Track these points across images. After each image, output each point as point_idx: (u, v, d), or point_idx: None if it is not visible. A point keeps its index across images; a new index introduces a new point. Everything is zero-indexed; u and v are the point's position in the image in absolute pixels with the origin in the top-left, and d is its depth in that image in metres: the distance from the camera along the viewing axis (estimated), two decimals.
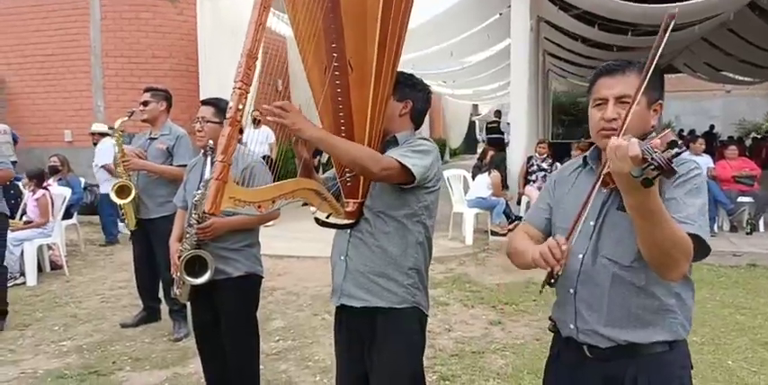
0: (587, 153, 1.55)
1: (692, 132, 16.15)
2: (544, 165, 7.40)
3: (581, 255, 1.44)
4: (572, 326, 1.47)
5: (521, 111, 7.77)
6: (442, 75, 13.73)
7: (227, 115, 1.50)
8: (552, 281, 1.38)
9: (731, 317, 4.08)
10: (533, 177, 7.36)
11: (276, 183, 1.70)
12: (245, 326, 2.76)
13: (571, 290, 1.46)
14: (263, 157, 7.53)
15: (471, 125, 24.60)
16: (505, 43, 9.48)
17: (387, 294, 1.88)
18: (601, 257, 1.41)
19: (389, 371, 1.89)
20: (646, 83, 1.29)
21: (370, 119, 1.78)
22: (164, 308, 4.03)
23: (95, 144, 6.72)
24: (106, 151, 5.40)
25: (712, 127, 17.63)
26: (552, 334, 1.60)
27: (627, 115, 1.31)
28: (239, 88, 1.50)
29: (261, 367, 2.87)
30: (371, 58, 1.73)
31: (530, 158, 7.48)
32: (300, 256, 5.80)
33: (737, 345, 3.59)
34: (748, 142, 15.08)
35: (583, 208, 1.40)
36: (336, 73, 1.76)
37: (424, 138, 1.93)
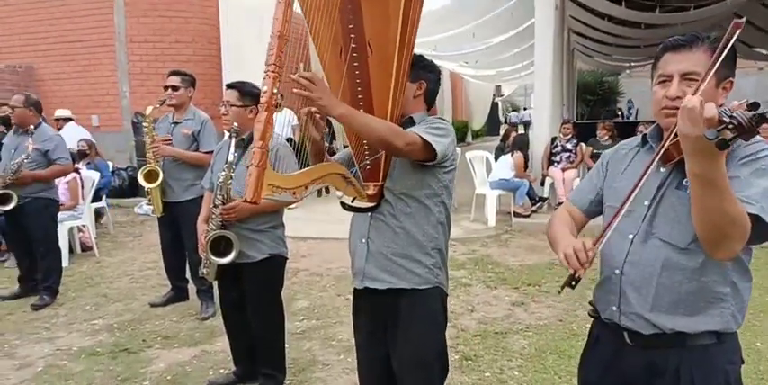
0: (647, 131, 1.48)
1: None
2: (568, 146, 7.30)
3: (631, 235, 1.39)
4: (614, 309, 1.42)
5: (545, 92, 7.65)
6: (464, 56, 13.54)
7: (262, 100, 1.45)
8: (573, 283, 1.34)
9: (761, 298, 4.00)
10: (557, 158, 7.28)
11: (306, 168, 1.68)
12: (270, 305, 2.82)
13: (617, 271, 1.40)
14: (287, 140, 7.62)
15: (494, 106, 24.30)
16: (530, 22, 9.30)
17: (410, 275, 1.89)
18: (654, 238, 1.36)
19: (416, 352, 1.91)
20: (716, 61, 1.21)
21: (392, 101, 1.76)
22: (191, 288, 4.12)
23: (60, 129, 6.77)
24: (69, 138, 5.36)
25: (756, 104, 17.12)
26: (592, 319, 1.54)
27: (696, 93, 1.20)
28: (272, 72, 1.44)
29: (286, 345, 2.93)
30: (394, 38, 1.70)
31: (554, 139, 7.39)
32: (324, 238, 5.86)
33: (767, 326, 3.53)
34: None
35: (631, 192, 1.35)
36: (355, 55, 1.74)
37: (441, 118, 1.93)
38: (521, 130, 19.35)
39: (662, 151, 1.31)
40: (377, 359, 2.01)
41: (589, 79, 20.18)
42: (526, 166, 7.04)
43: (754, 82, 20.20)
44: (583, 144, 7.41)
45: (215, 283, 2.98)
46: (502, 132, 11.70)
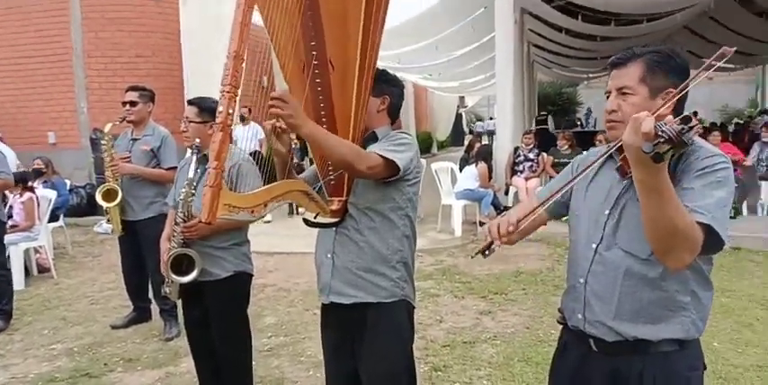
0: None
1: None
2: (531, 156, 7.45)
3: (595, 245, 1.42)
4: (579, 317, 1.45)
5: (506, 103, 7.81)
6: (427, 68, 13.72)
7: (218, 120, 1.46)
8: (486, 252, 1.44)
9: (716, 299, 4.13)
10: (520, 168, 7.41)
11: (267, 186, 1.68)
12: (235, 324, 2.76)
13: (581, 280, 1.44)
14: (253, 153, 7.54)
15: (458, 117, 24.62)
16: (490, 36, 9.49)
17: (376, 289, 1.89)
18: (616, 248, 1.38)
19: (382, 365, 1.90)
20: (641, 71, 1.35)
21: (354, 118, 1.78)
22: (154, 308, 4.02)
23: None
24: None
25: (695, 114, 17.77)
26: (561, 326, 1.57)
27: (623, 105, 1.35)
28: (228, 92, 1.46)
29: (253, 363, 2.88)
30: (354, 57, 1.72)
31: (516, 149, 7.52)
32: (291, 253, 5.80)
33: (723, 327, 3.65)
34: (731, 128, 15.23)
35: (573, 178, 1.44)
36: (317, 72, 1.75)
37: (404, 133, 1.94)
38: (485, 140, 19.65)
39: (619, 164, 1.35)
40: (344, 374, 1.99)
41: (549, 90, 20.68)
42: (490, 177, 7.14)
43: (707, 92, 21.04)
44: (544, 153, 7.56)
45: (179, 303, 2.91)
46: (466, 143, 11.84)
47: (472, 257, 1.52)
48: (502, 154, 7.61)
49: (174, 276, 2.57)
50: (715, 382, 2.91)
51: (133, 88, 3.86)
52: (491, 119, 26.29)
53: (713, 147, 1.38)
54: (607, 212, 1.41)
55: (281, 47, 1.69)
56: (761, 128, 8.28)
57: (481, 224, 6.77)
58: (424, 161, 8.29)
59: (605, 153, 1.43)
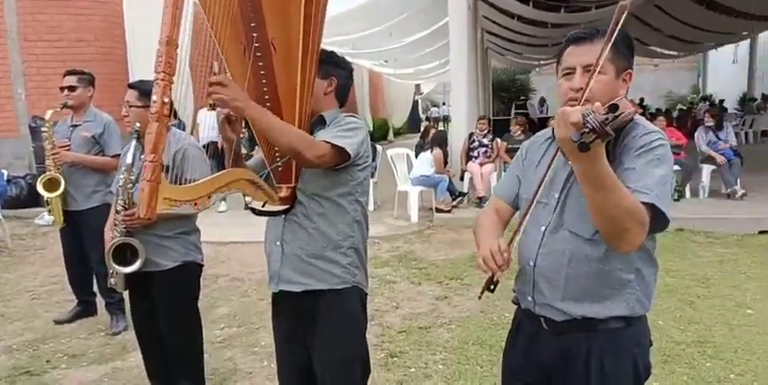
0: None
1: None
2: (485, 141, 7.51)
3: (543, 228, 1.42)
4: (529, 299, 1.47)
5: (461, 89, 7.84)
6: (382, 53, 13.63)
7: (152, 110, 1.40)
8: (492, 287, 1.39)
9: (661, 279, 4.28)
10: (475, 153, 7.47)
11: (210, 176, 1.65)
12: (184, 316, 2.68)
13: (531, 263, 1.44)
14: (208, 144, 7.33)
15: (414, 104, 24.66)
16: (444, 21, 9.49)
17: (327, 276, 1.86)
18: (563, 230, 1.39)
19: (335, 353, 1.88)
20: (609, 51, 1.27)
21: (299, 100, 1.73)
22: (99, 301, 3.87)
23: None
24: None
25: (642, 100, 18.36)
26: (515, 306, 1.58)
27: (588, 82, 1.28)
28: (162, 80, 1.40)
29: (206, 356, 2.81)
30: (296, 37, 1.67)
31: (471, 135, 7.58)
32: (244, 242, 5.67)
33: (667, 306, 3.79)
34: (675, 114, 15.81)
35: (539, 185, 1.40)
36: (258, 54, 1.70)
37: (352, 115, 1.90)
38: (441, 126, 19.75)
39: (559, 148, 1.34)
40: (297, 363, 1.96)
41: (503, 77, 20.92)
42: (446, 162, 7.18)
43: (652, 78, 21.73)
44: (498, 139, 7.65)
45: (126, 295, 2.81)
46: (422, 129, 11.87)
47: (479, 298, 1.48)
48: (457, 140, 7.65)
49: (115, 266, 2.48)
50: (659, 359, 3.02)
51: (71, 72, 3.67)
52: (445, 104, 26.50)
53: (649, 123, 1.39)
54: (557, 195, 1.42)
55: (219, 30, 1.61)
56: (703, 113, 8.60)
57: (437, 210, 6.81)
58: (380, 147, 8.29)
59: (551, 137, 1.43)
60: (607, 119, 1.06)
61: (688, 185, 7.09)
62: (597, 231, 1.32)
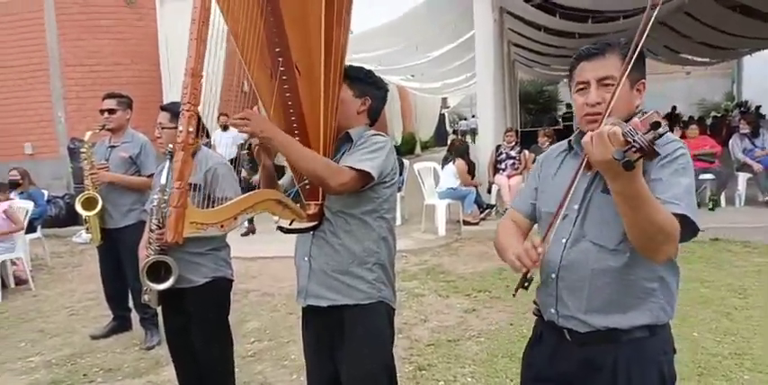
0: (572, 137, 1.52)
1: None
2: (512, 154, 7.48)
3: (564, 240, 1.42)
4: (553, 311, 1.47)
5: (487, 102, 7.83)
6: (409, 69, 13.75)
7: (179, 140, 1.48)
8: (526, 284, 1.39)
9: (696, 290, 4.19)
10: (502, 166, 7.44)
11: (236, 198, 1.70)
12: (215, 331, 2.73)
13: (553, 275, 1.44)
14: (233, 160, 7.46)
15: (441, 117, 24.68)
16: (470, 34, 9.54)
17: (352, 292, 1.89)
18: (585, 241, 1.39)
19: (361, 367, 1.89)
20: (622, 63, 1.28)
21: (323, 120, 1.77)
22: (134, 317, 3.97)
23: None
24: None
25: (674, 108, 18.01)
26: (536, 317, 1.58)
27: (612, 97, 1.29)
28: (187, 110, 1.48)
29: (236, 370, 2.85)
30: (318, 59, 1.72)
31: (498, 147, 7.55)
32: (273, 257, 5.75)
33: (702, 318, 3.69)
34: (709, 121, 15.44)
35: (565, 196, 1.40)
36: (284, 77, 1.75)
37: (378, 134, 1.93)
38: (469, 139, 19.65)
39: (585, 160, 1.34)
40: (325, 377, 1.99)
41: (530, 88, 20.81)
42: (472, 173, 7.17)
43: (684, 86, 21.31)
44: (526, 151, 7.60)
45: (159, 311, 2.88)
46: (449, 143, 11.88)
47: (514, 295, 1.45)
48: (484, 152, 7.64)
49: (150, 283, 2.54)
50: (695, 371, 2.94)
51: (111, 96, 3.82)
52: (473, 117, 26.44)
53: (670, 133, 1.36)
54: (576, 207, 1.41)
55: (246, 54, 1.68)
56: (738, 120, 8.39)
57: (465, 223, 6.78)
58: (407, 162, 8.29)
59: (567, 149, 1.45)
60: (655, 137, 1.05)
61: (723, 194, 6.90)
62: (621, 242, 1.32)
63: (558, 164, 1.53)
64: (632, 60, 1.27)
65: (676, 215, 1.23)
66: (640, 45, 1.28)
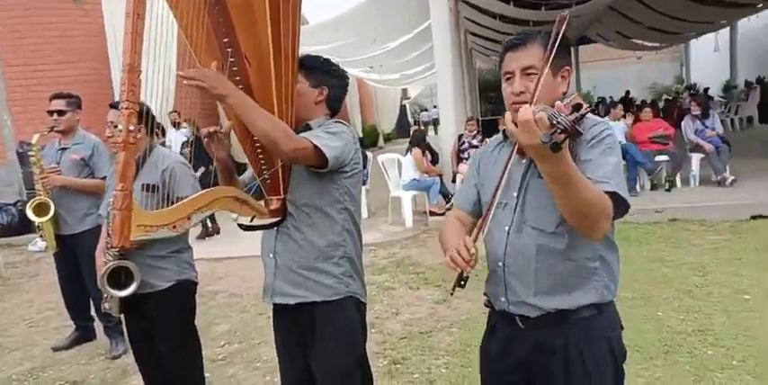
0: (505, 127, 1.54)
1: (606, 99, 17.31)
2: (474, 142, 7.53)
3: (507, 227, 1.46)
4: (503, 299, 1.50)
5: (447, 91, 7.86)
6: (367, 60, 13.68)
7: (119, 139, 1.42)
8: (462, 283, 1.41)
9: (658, 270, 4.32)
10: (465, 155, 7.48)
11: (190, 197, 1.64)
12: (182, 336, 2.66)
13: (500, 264, 1.48)
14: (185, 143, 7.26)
15: (402, 109, 24.70)
16: (426, 24, 9.53)
17: (319, 288, 1.86)
18: (526, 227, 1.43)
19: (332, 363, 1.87)
20: (550, 54, 1.33)
21: (277, 111, 1.73)
22: (98, 326, 3.84)
23: None
24: None
25: (628, 92, 18.49)
26: (488, 309, 1.61)
27: (536, 87, 1.34)
28: (126, 108, 1.43)
29: (207, 374, 2.79)
30: (267, 47, 1.66)
31: (460, 136, 7.60)
32: (240, 257, 5.67)
33: (665, 297, 3.80)
34: (661, 104, 15.91)
35: (498, 184, 1.44)
36: (234, 69, 1.70)
37: (339, 121, 1.89)
38: (431, 130, 19.70)
39: (516, 146, 1.40)
40: (298, 374, 1.96)
41: (489, 77, 21.02)
42: (434, 162, 7.19)
43: (636, 70, 21.91)
44: (488, 139, 7.66)
45: (123, 318, 2.79)
46: (411, 134, 11.90)
47: (451, 294, 1.48)
48: (447, 142, 7.67)
49: (111, 290, 2.45)
50: (661, 349, 3.02)
51: (59, 96, 3.64)
52: (435, 107, 26.58)
53: (595, 116, 1.45)
54: (515, 194, 1.46)
55: (195, 45, 1.62)
56: (689, 103, 8.65)
57: (431, 213, 6.81)
58: (370, 154, 8.23)
59: (502, 141, 1.53)
60: (576, 118, 1.10)
61: (678, 175, 7.12)
62: (559, 224, 1.38)
63: (495, 155, 1.58)
64: (552, 53, 1.33)
65: (608, 193, 1.28)
66: (560, 36, 1.33)
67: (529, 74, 1.40)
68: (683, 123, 7.65)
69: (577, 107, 1.11)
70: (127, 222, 1.41)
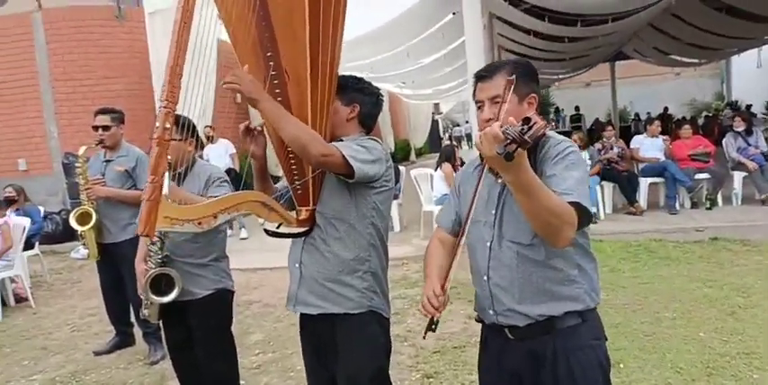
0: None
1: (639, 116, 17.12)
2: None
3: (489, 243, 1.56)
4: (491, 312, 1.58)
5: None
6: (400, 75, 13.79)
7: (155, 135, 1.49)
8: (433, 327, 1.56)
9: (699, 290, 4.20)
10: None
11: (218, 197, 1.69)
12: (219, 344, 2.71)
13: (485, 277, 1.57)
14: (228, 171, 7.47)
15: (434, 124, 24.76)
16: (460, 41, 9.58)
17: (342, 300, 1.88)
18: (506, 241, 1.54)
19: (353, 376, 1.89)
20: (509, 83, 1.48)
21: (311, 124, 1.77)
22: (137, 332, 3.93)
23: None
24: None
25: (666, 109, 18.14)
26: (480, 324, 1.69)
27: (499, 112, 1.46)
28: (164, 107, 1.49)
29: (242, 382, 2.83)
30: (304, 61, 1.72)
31: None
32: (274, 267, 5.73)
33: (707, 317, 3.69)
34: (701, 121, 15.55)
35: (472, 200, 1.56)
36: (275, 82, 1.76)
37: (372, 138, 1.93)
38: (465, 145, 19.67)
39: (486, 167, 1.55)
40: (323, 382, 1.99)
41: None
42: None
43: (673, 86, 21.48)
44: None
45: (161, 325, 2.85)
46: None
47: (424, 338, 1.65)
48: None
49: (153, 297, 2.52)
50: (704, 371, 2.93)
51: (103, 111, 3.76)
52: (467, 122, 26.55)
53: (559, 135, 1.55)
54: (494, 212, 1.57)
55: (243, 59, 1.69)
56: (732, 119, 8.44)
57: None
58: (403, 169, 8.25)
59: (480, 163, 1.62)
60: (523, 129, 1.19)
61: (720, 193, 6.94)
62: (534, 236, 1.48)
63: (476, 177, 1.64)
64: (507, 99, 1.47)
65: (572, 204, 1.37)
66: (509, 96, 1.47)
67: (496, 102, 1.51)
68: (724, 140, 7.47)
69: (526, 121, 1.20)
70: (154, 212, 1.47)
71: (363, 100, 1.95)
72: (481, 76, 1.58)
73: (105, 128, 3.69)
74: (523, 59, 1.63)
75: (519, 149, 1.20)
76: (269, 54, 1.75)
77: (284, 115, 1.69)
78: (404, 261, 5.68)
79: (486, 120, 1.52)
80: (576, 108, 19.19)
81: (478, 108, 1.59)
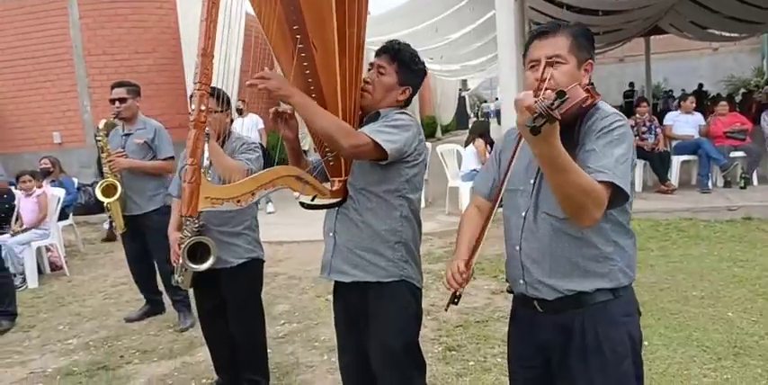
0: None
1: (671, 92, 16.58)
2: None
3: (524, 213, 1.52)
4: (521, 282, 1.54)
5: (509, 83, 7.69)
6: (428, 51, 13.60)
7: (191, 118, 1.51)
8: (456, 300, 1.59)
9: (729, 270, 4.12)
10: None
11: (254, 174, 1.71)
12: (251, 310, 2.79)
13: (517, 247, 1.53)
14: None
15: (461, 100, 24.46)
16: (489, 15, 9.38)
17: (374, 269, 1.90)
18: (541, 213, 1.49)
19: (384, 344, 1.92)
20: (570, 43, 1.43)
21: (341, 96, 1.77)
22: (167, 300, 4.05)
23: None
24: None
25: (701, 85, 17.55)
26: (511, 295, 1.67)
27: (542, 73, 1.41)
28: (199, 90, 1.50)
29: (269, 350, 2.90)
30: (332, 33, 1.71)
31: None
32: (300, 241, 5.81)
33: (737, 297, 3.63)
34: (738, 98, 15.02)
35: (507, 170, 1.53)
36: (303, 55, 1.75)
37: (404, 112, 1.92)
38: (494, 122, 19.47)
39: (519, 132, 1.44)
40: (355, 352, 2.03)
41: None
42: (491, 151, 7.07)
43: (710, 62, 20.74)
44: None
45: (191, 292, 2.93)
46: (470, 125, 11.79)
47: (446, 310, 1.67)
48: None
49: (191, 265, 2.56)
50: (731, 351, 2.90)
51: (119, 84, 3.82)
52: (496, 99, 26.19)
53: (610, 107, 1.46)
54: (532, 181, 1.52)
55: (270, 34, 1.69)
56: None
57: None
58: (429, 144, 8.22)
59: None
60: (553, 104, 1.14)
61: (755, 172, 6.73)
62: None
63: (514, 144, 1.60)
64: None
65: (604, 183, 1.31)
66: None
67: (555, 62, 1.44)
68: (761, 118, 7.21)
69: (561, 94, 1.15)
70: (195, 194, 1.51)
71: (416, 83, 1.95)
72: (542, 32, 1.49)
73: (122, 100, 3.74)
74: (582, 24, 1.51)
75: (547, 124, 1.15)
76: (295, 27, 1.74)
77: (314, 107, 1.69)
78: (429, 237, 5.69)
79: (541, 79, 1.44)
80: (631, 84, 18.68)
81: (531, 66, 1.49)
